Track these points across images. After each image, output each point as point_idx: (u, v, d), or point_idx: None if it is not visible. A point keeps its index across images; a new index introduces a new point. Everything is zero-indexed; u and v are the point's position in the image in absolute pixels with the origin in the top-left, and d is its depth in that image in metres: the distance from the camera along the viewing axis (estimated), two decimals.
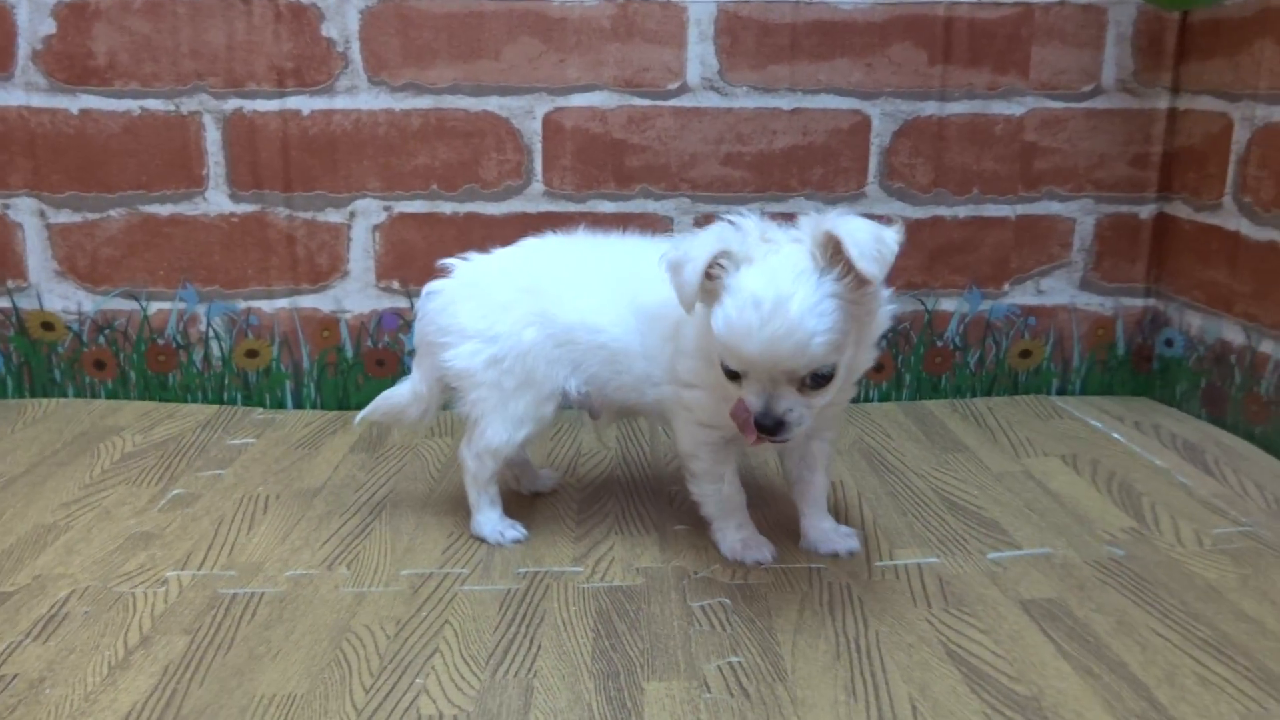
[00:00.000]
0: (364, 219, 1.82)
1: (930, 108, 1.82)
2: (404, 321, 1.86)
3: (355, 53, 1.76)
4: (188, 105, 1.77)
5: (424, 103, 1.78)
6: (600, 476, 1.58)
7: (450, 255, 1.82)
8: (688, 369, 1.22)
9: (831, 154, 1.83)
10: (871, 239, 1.04)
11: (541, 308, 1.28)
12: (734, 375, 1.10)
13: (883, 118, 1.83)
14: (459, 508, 1.44)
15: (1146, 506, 1.42)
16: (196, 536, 1.34)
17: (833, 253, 1.05)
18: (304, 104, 1.77)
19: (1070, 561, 1.27)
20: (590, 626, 1.13)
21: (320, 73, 1.76)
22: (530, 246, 1.38)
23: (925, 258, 1.89)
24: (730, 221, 1.10)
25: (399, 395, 1.41)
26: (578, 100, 1.80)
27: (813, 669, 1.05)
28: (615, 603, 1.19)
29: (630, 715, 0.97)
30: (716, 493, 1.29)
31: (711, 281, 1.08)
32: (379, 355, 1.87)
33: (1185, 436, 1.68)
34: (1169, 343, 1.87)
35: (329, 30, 1.75)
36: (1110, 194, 1.88)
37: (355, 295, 1.85)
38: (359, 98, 1.77)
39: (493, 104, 1.79)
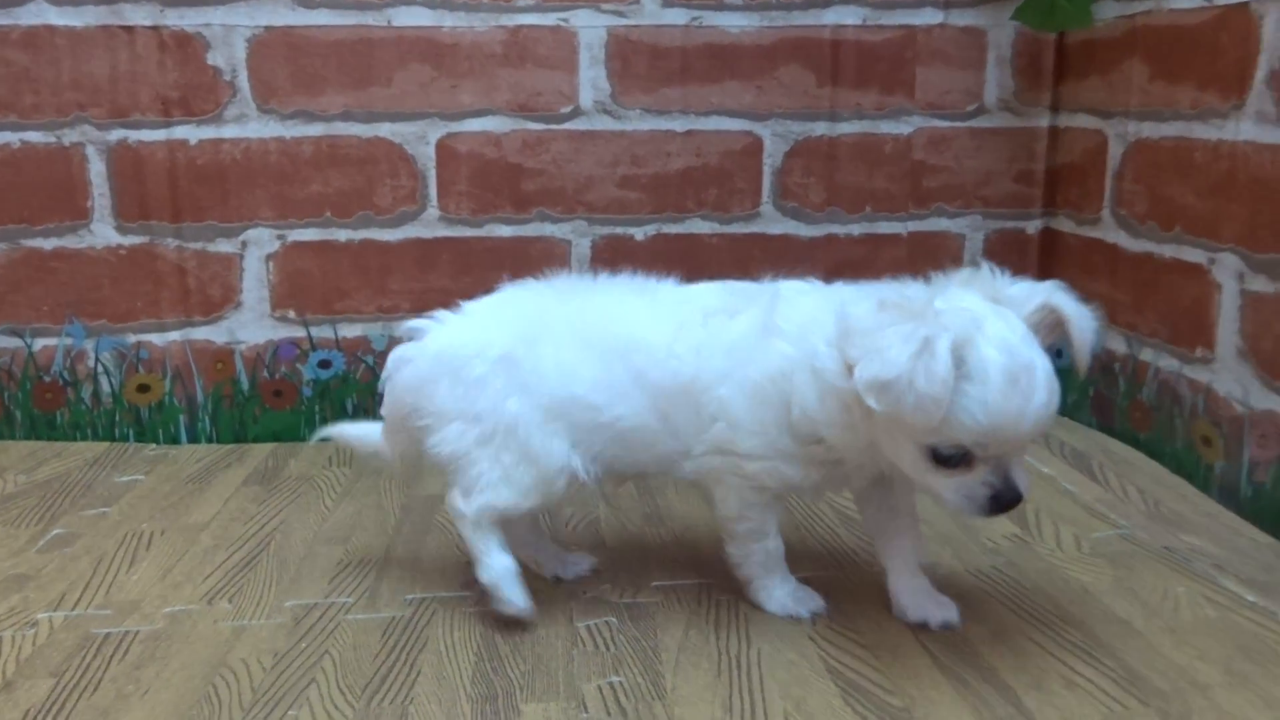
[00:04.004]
0: (256, 248, 1.80)
1: (821, 128, 1.86)
2: (301, 351, 1.83)
3: (243, 81, 1.74)
4: (70, 136, 1.73)
5: (315, 130, 1.77)
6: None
7: (347, 283, 1.83)
8: (759, 444, 1.10)
9: (726, 175, 1.86)
10: (1095, 332, 1.01)
11: (522, 377, 1.14)
12: (950, 460, 0.99)
13: (774, 138, 1.86)
14: (351, 535, 1.42)
15: (1030, 513, 1.45)
16: (73, 576, 1.30)
17: (1047, 324, 1.01)
18: (191, 133, 1.75)
19: (954, 571, 1.29)
20: (473, 651, 1.12)
21: (207, 102, 1.74)
22: (505, 302, 1.22)
23: (822, 276, 1.90)
24: (888, 297, 0.99)
25: (370, 438, 1.30)
26: (471, 125, 1.80)
27: (693, 687, 1.05)
28: (501, 626, 1.18)
29: None
30: (761, 550, 1.17)
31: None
32: (276, 386, 1.84)
33: (1074, 445, 1.73)
34: (1059, 353, 1.91)
35: (215, 59, 1.73)
36: (998, 210, 1.93)
37: (250, 326, 1.82)
38: (248, 126, 1.75)
39: (385, 130, 1.78)
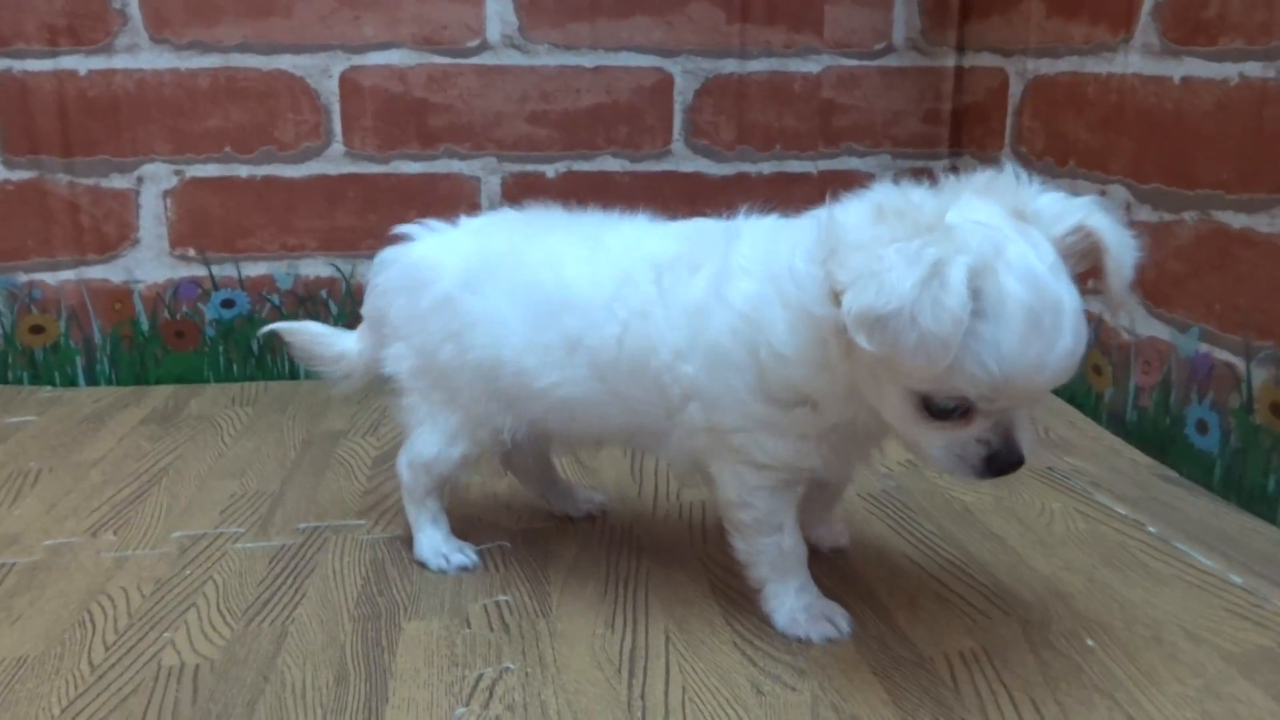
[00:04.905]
0: (153, 184, 1.75)
1: (730, 65, 1.85)
2: (202, 290, 1.80)
3: (134, 9, 1.68)
4: None
5: (212, 62, 1.72)
6: (400, 436, 1.55)
7: (250, 220, 1.79)
8: (735, 416, 0.94)
9: (636, 112, 1.85)
10: (1133, 261, 0.83)
11: (456, 325, 1.06)
12: (946, 412, 0.81)
13: (685, 76, 1.85)
14: (247, 469, 1.41)
15: None
16: None
17: (1079, 249, 0.82)
18: (80, 64, 1.69)
19: (846, 496, 1.31)
20: (361, 575, 1.12)
21: (97, 31, 1.68)
22: (476, 228, 1.13)
23: (734, 215, 1.92)
24: (888, 202, 0.80)
25: (334, 341, 1.22)
26: (375, 59, 1.76)
27: (578, 605, 1.06)
28: (393, 551, 1.18)
29: (384, 653, 0.96)
30: (774, 547, 0.99)
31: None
32: (178, 327, 1.81)
33: None
34: None
35: None
36: (906, 149, 1.94)
37: (148, 265, 1.78)
38: (141, 57, 1.70)
39: (286, 63, 1.74)
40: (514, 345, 1.03)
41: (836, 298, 0.78)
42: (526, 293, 1.03)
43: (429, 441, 1.11)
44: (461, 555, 1.14)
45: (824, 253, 0.80)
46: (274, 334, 1.26)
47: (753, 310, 0.90)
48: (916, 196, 0.82)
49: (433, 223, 1.14)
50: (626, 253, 1.01)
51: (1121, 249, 0.82)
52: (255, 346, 1.83)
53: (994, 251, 0.76)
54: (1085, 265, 0.83)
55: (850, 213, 0.82)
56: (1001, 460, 0.82)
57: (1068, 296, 0.78)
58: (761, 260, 0.91)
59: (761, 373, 0.90)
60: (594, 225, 1.08)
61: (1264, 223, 1.25)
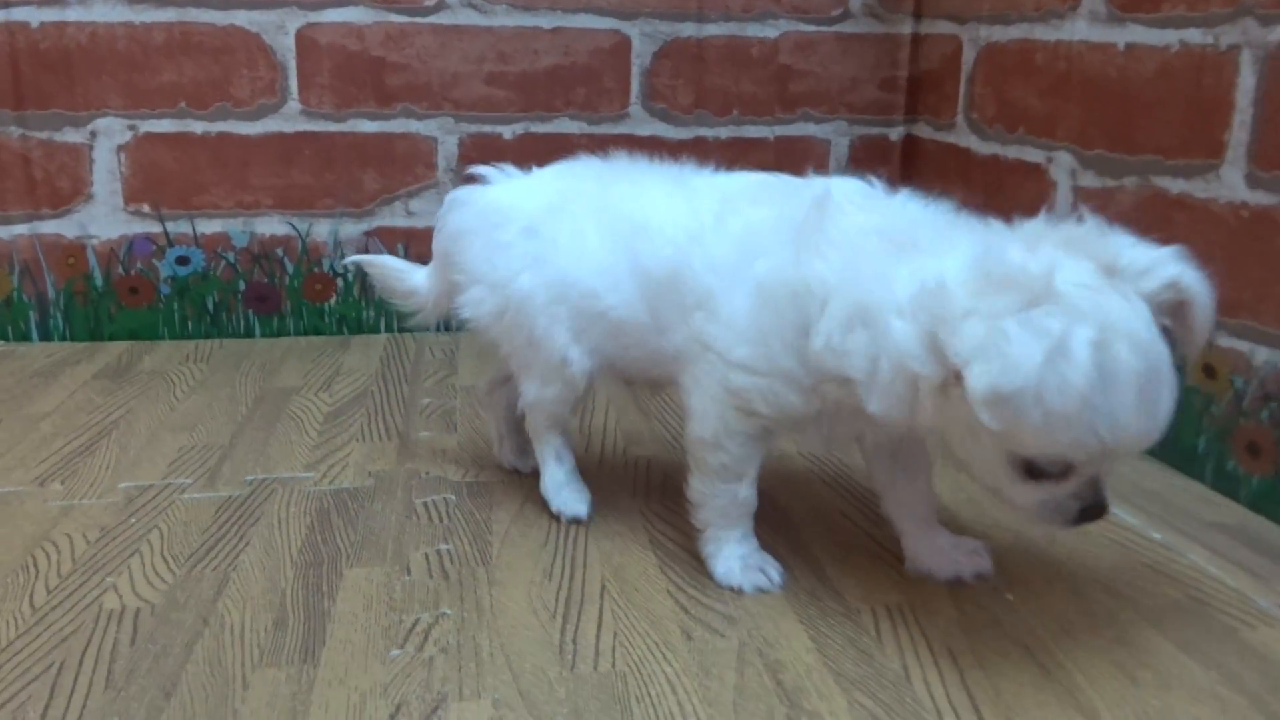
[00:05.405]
0: (107, 139, 1.74)
1: (689, 29, 1.86)
2: (157, 247, 1.79)
3: None
4: None
5: (166, 15, 1.71)
6: (353, 393, 1.57)
7: (205, 177, 1.79)
8: (755, 357, 0.94)
9: (594, 74, 1.85)
10: (1213, 312, 0.85)
11: (537, 250, 1.09)
12: (1046, 473, 0.82)
13: (643, 38, 1.85)
14: (198, 423, 1.42)
15: None
16: None
17: (1167, 304, 0.83)
18: (32, 15, 1.67)
19: (788, 454, 1.34)
20: (306, 524, 1.14)
21: None
22: (554, 173, 1.17)
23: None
24: (994, 267, 0.79)
25: (408, 277, 1.28)
26: (331, 16, 1.75)
27: (517, 554, 1.08)
28: (339, 503, 1.19)
29: (324, 599, 0.98)
30: (729, 494, 1.01)
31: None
32: (132, 283, 1.80)
33: None
34: None
35: None
36: (862, 116, 1.96)
37: (102, 220, 1.77)
38: (94, 9, 1.69)
39: (241, 18, 1.73)
40: (588, 266, 1.06)
41: (954, 373, 0.78)
42: (610, 218, 1.07)
43: (528, 386, 1.14)
44: (578, 505, 1.16)
45: (929, 318, 0.80)
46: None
47: (822, 294, 0.89)
48: (1016, 256, 0.80)
49: (507, 168, 1.18)
50: (705, 191, 1.04)
51: (1206, 302, 0.84)
52: (210, 304, 1.83)
53: (1106, 320, 0.77)
54: (1165, 319, 0.83)
55: (953, 271, 0.80)
56: (1093, 512, 0.85)
57: (1165, 358, 0.79)
58: (844, 269, 0.89)
59: (811, 347, 0.90)
60: (683, 171, 1.10)
61: (1200, 187, 1.28)
